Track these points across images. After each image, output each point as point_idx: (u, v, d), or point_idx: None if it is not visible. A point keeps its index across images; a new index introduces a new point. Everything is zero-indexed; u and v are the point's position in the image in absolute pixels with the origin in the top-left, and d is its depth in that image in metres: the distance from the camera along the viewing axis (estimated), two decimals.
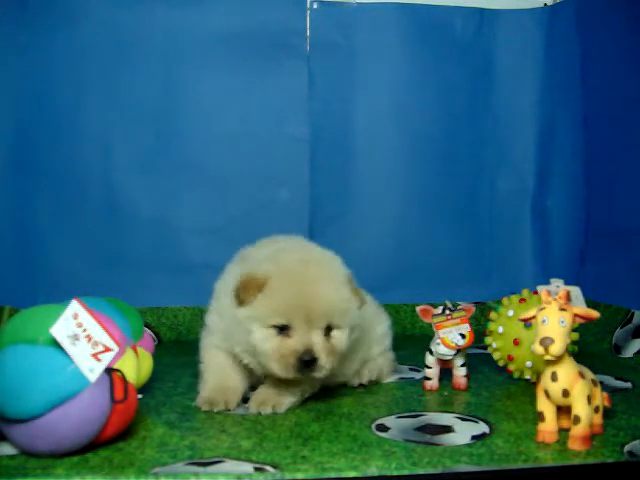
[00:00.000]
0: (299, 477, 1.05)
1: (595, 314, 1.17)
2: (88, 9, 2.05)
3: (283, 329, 1.33)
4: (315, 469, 1.07)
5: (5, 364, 1.09)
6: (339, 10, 2.19)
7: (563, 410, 1.20)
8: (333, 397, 1.48)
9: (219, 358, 1.45)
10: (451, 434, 1.25)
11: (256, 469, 1.07)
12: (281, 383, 1.39)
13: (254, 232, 2.13)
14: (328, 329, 1.36)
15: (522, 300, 1.61)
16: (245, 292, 1.34)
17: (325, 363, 1.33)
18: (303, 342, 1.32)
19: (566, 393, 1.15)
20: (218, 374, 1.44)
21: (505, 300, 1.65)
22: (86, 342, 1.10)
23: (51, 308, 1.18)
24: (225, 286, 1.43)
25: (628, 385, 1.59)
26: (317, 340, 1.33)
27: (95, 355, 1.10)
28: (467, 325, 1.54)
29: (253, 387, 1.46)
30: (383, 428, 1.28)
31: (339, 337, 1.37)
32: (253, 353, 1.36)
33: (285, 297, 1.32)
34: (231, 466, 1.08)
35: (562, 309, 1.15)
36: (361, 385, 1.58)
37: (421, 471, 1.07)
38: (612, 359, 1.87)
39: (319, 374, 1.34)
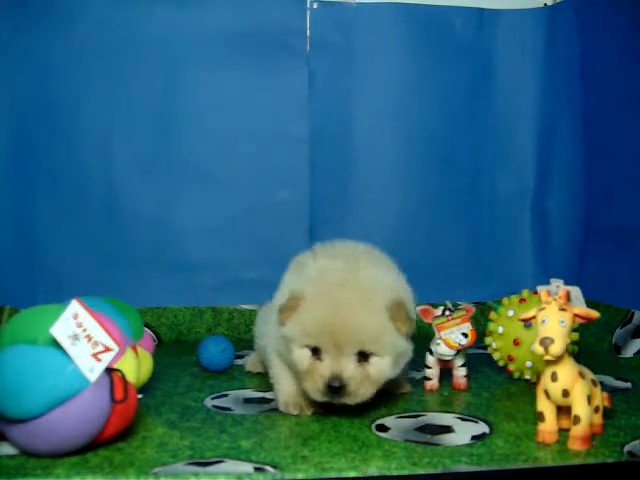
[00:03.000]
0: (299, 477, 1.05)
1: (595, 314, 1.17)
2: (88, 9, 2.05)
3: (315, 351, 1.31)
4: (315, 469, 1.07)
5: (5, 364, 1.09)
6: (339, 10, 2.18)
7: (563, 410, 1.19)
8: None
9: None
10: (451, 434, 1.25)
11: (256, 469, 1.07)
12: None
13: (254, 232, 2.17)
14: (364, 355, 1.30)
15: (522, 300, 1.61)
16: (284, 312, 1.33)
17: (356, 390, 1.29)
18: (331, 367, 1.29)
19: (566, 393, 1.15)
20: (292, 379, 1.41)
21: (505, 300, 1.65)
22: (86, 342, 1.10)
23: (51, 308, 1.18)
24: (279, 298, 1.42)
25: (628, 385, 1.59)
26: (348, 367, 1.29)
27: (95, 355, 1.10)
28: (468, 324, 1.54)
29: None
30: (383, 428, 1.28)
31: (377, 365, 1.31)
32: (294, 371, 1.37)
33: (313, 319, 1.29)
34: (231, 466, 1.08)
35: (562, 309, 1.15)
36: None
37: (421, 471, 1.07)
38: (612, 359, 1.87)
39: (349, 401, 1.30)
